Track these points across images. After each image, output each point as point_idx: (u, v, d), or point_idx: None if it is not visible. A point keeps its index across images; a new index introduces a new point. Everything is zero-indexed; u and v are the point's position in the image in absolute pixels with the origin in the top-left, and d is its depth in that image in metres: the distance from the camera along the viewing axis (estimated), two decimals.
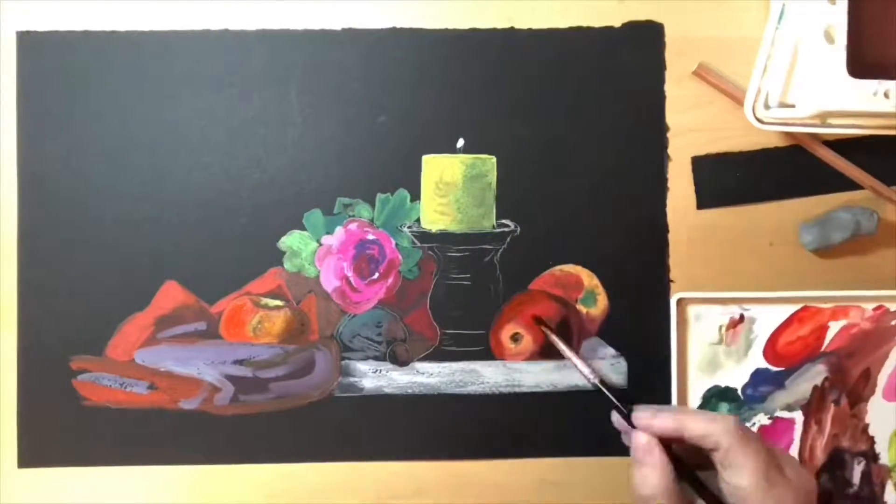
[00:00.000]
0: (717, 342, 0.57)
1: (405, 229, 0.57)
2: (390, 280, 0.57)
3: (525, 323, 0.56)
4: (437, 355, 0.57)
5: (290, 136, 0.56)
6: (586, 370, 0.53)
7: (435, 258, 0.57)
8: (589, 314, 0.57)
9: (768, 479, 0.43)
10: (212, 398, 0.56)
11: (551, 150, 0.57)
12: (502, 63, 0.57)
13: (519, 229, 0.57)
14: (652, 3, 0.57)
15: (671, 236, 0.57)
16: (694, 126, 0.57)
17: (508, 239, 0.57)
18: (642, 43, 0.57)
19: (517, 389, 0.57)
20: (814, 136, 0.57)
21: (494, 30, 0.57)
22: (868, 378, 0.58)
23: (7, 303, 0.56)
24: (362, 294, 0.57)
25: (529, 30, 0.57)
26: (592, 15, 0.57)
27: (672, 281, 0.57)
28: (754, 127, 0.55)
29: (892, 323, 0.58)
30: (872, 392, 0.58)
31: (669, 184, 0.57)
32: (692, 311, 0.57)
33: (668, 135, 0.57)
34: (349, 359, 0.57)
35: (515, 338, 0.57)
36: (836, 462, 0.58)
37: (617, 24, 0.57)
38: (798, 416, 0.58)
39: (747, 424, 0.58)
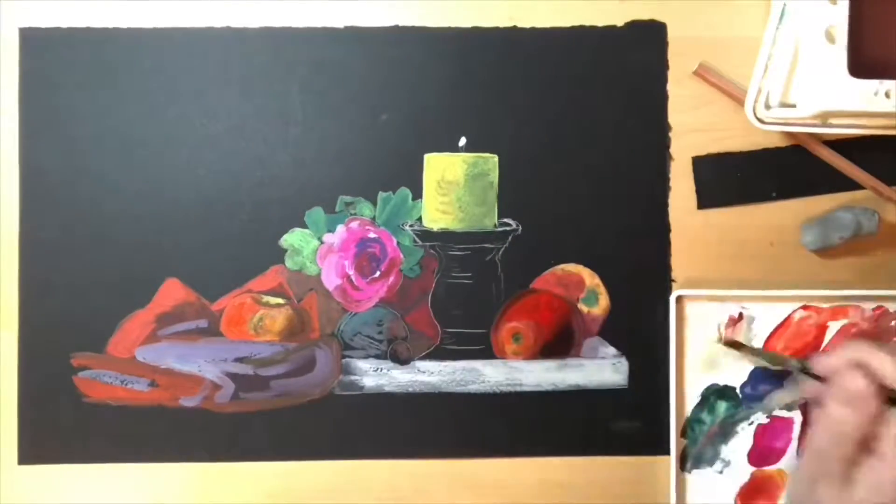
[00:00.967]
0: (716, 340, 0.57)
1: (407, 228, 0.57)
2: (391, 278, 0.57)
3: (526, 322, 0.57)
4: (438, 354, 0.57)
5: (292, 133, 0.56)
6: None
7: (436, 257, 0.57)
8: (590, 313, 0.57)
9: None
10: (212, 396, 0.56)
11: (553, 149, 0.57)
12: (505, 62, 0.57)
13: (520, 228, 0.57)
14: (653, 2, 0.57)
15: (672, 237, 0.57)
16: (695, 126, 0.57)
17: (510, 238, 0.57)
18: (645, 42, 0.57)
19: (518, 388, 0.57)
20: (814, 136, 0.57)
21: (497, 28, 0.57)
22: None
23: (8, 299, 0.56)
24: (363, 292, 0.57)
25: (532, 29, 0.57)
26: (595, 14, 0.57)
27: (673, 281, 0.57)
28: (755, 127, 0.55)
29: (892, 323, 0.58)
30: None
31: (670, 184, 0.57)
32: (691, 308, 0.57)
33: (670, 134, 0.57)
34: (350, 357, 0.57)
35: (516, 337, 0.57)
36: None
37: (620, 23, 0.57)
38: (797, 416, 0.58)
39: (745, 424, 0.58)
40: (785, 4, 0.53)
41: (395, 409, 0.57)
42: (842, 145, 0.57)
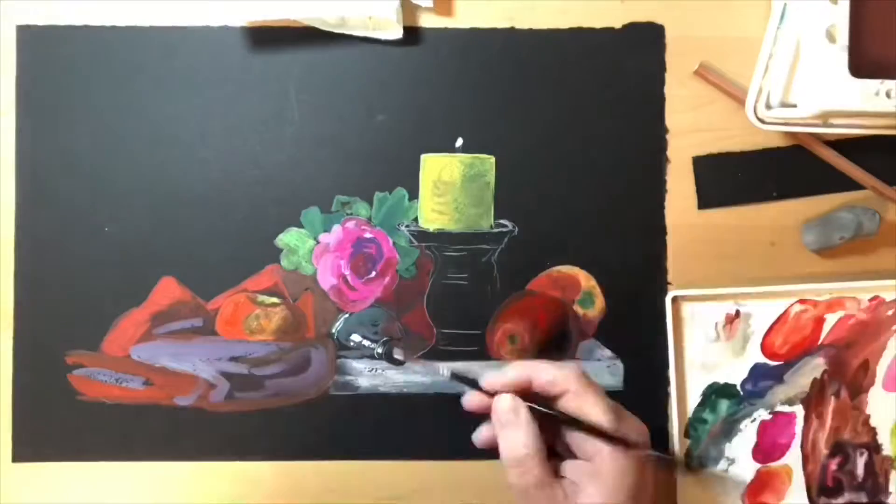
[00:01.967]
0: (714, 339, 0.57)
1: (403, 228, 0.56)
2: (387, 279, 0.57)
3: (521, 323, 0.56)
4: (434, 355, 0.57)
5: (289, 133, 0.56)
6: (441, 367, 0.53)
7: (432, 257, 0.57)
8: (586, 315, 0.57)
9: (618, 413, 0.47)
10: (207, 395, 0.56)
11: (550, 150, 0.57)
12: (502, 63, 0.57)
13: (517, 230, 0.57)
14: (654, 2, 0.57)
15: (672, 237, 0.57)
16: (695, 126, 0.57)
17: (506, 239, 0.57)
18: (642, 44, 0.57)
19: None
20: (815, 136, 0.57)
21: (494, 29, 0.56)
22: (867, 369, 0.58)
23: (3, 297, 0.56)
24: (359, 292, 0.57)
25: (530, 30, 0.56)
26: (593, 15, 0.57)
27: (669, 283, 0.57)
28: (755, 127, 0.55)
29: (889, 313, 0.58)
30: (872, 383, 0.58)
31: (670, 184, 0.57)
32: (687, 308, 0.57)
33: (668, 136, 0.57)
34: (345, 357, 0.56)
35: (512, 339, 0.56)
36: (838, 455, 0.58)
37: (618, 25, 0.57)
38: (799, 410, 0.58)
39: (748, 420, 0.58)
40: (786, 4, 0.53)
41: (390, 410, 0.57)
42: (842, 145, 0.57)
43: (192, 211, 0.56)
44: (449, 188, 0.56)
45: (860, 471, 0.58)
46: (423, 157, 0.56)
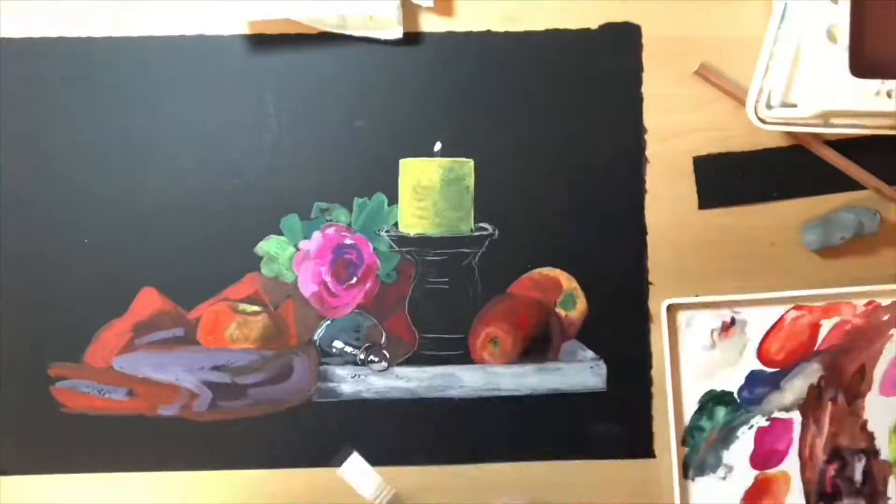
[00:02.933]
0: (709, 347, 0.57)
1: (383, 233, 0.56)
2: (368, 284, 0.57)
3: (503, 326, 0.56)
4: (416, 360, 0.57)
5: (267, 140, 0.56)
6: None
7: (413, 262, 0.57)
8: (568, 317, 0.57)
9: None
10: (190, 404, 0.56)
11: (529, 152, 0.57)
12: (480, 66, 0.56)
13: (497, 232, 0.57)
14: (654, 2, 0.57)
15: (672, 237, 0.57)
16: (696, 126, 0.57)
17: (487, 242, 0.57)
18: (620, 45, 0.57)
19: (496, 393, 0.57)
20: (816, 136, 0.56)
21: (470, 33, 0.56)
22: (863, 374, 0.58)
23: None
24: (340, 299, 0.57)
25: (506, 33, 0.56)
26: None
27: (651, 283, 0.57)
28: (756, 127, 0.55)
29: (884, 318, 0.58)
30: (869, 388, 0.58)
31: (671, 185, 0.57)
32: (682, 317, 0.57)
33: (646, 136, 0.57)
34: (328, 364, 0.56)
35: (494, 342, 0.56)
36: (836, 461, 0.58)
37: (594, 25, 0.57)
38: (796, 417, 0.58)
39: (745, 427, 0.58)
40: (786, 4, 0.53)
41: (374, 416, 0.57)
42: (843, 145, 0.57)
43: (171, 220, 0.56)
44: (428, 192, 0.56)
45: (858, 476, 0.58)
46: (402, 161, 0.56)
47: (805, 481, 0.58)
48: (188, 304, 0.56)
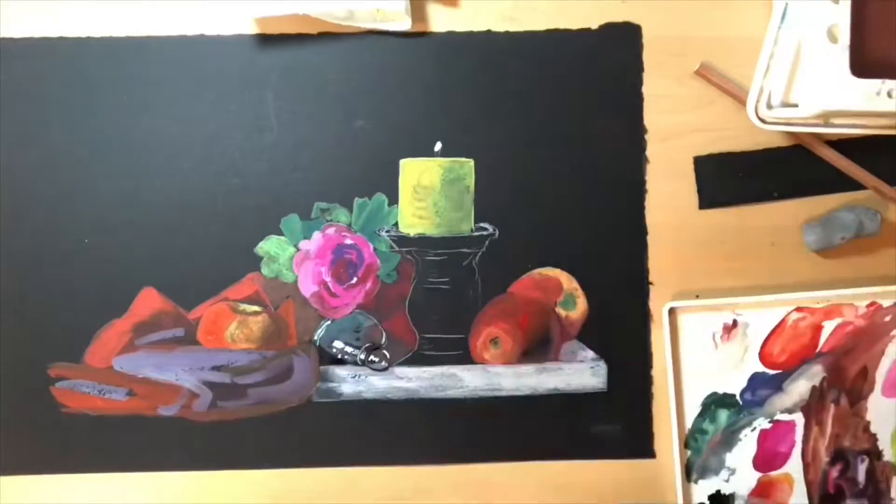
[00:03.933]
0: (712, 349, 0.57)
1: (383, 233, 0.56)
2: (368, 285, 0.57)
3: (504, 326, 0.56)
4: (417, 360, 0.57)
5: (267, 140, 0.56)
6: None
7: (413, 262, 0.57)
8: (568, 317, 0.57)
9: None
10: (190, 404, 0.56)
11: (529, 152, 0.57)
12: (481, 66, 0.56)
13: (497, 232, 0.57)
14: (655, 2, 0.57)
15: (672, 237, 0.57)
16: (696, 126, 0.57)
17: (487, 242, 0.57)
18: (620, 44, 0.57)
19: (497, 393, 0.57)
20: (816, 136, 0.56)
21: (471, 33, 0.56)
22: (866, 376, 0.58)
23: None
24: (340, 299, 0.57)
25: (506, 33, 0.56)
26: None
27: (651, 283, 0.57)
28: (757, 127, 0.55)
29: (886, 319, 0.58)
30: (871, 389, 0.58)
31: (671, 185, 0.57)
32: (684, 319, 0.57)
33: (647, 137, 0.57)
34: (328, 364, 0.56)
35: (495, 342, 0.56)
36: (839, 462, 0.58)
37: (594, 25, 0.57)
38: (799, 418, 0.58)
39: (748, 430, 0.58)
40: (787, 4, 0.53)
41: (374, 416, 0.57)
42: (844, 145, 0.57)
43: (171, 221, 0.56)
44: (428, 192, 0.56)
45: (861, 477, 0.58)
46: (402, 161, 0.56)
47: (808, 483, 0.58)
48: (188, 304, 0.56)
